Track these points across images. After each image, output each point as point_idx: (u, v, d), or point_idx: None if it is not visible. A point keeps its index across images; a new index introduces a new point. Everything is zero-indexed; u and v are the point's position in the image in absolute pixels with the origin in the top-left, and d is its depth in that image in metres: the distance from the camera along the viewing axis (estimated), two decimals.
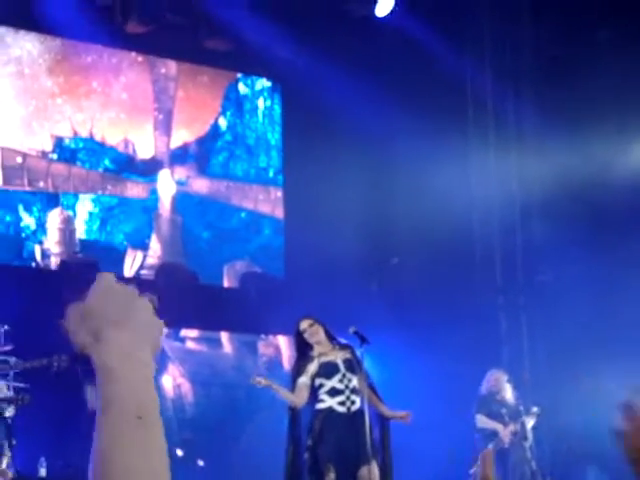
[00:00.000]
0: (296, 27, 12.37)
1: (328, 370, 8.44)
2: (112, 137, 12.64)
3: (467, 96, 13.08)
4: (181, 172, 13.10)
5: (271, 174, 13.72)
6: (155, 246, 12.74)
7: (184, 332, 12.77)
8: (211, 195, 13.27)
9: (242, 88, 13.80)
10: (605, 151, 11.74)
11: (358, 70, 12.58)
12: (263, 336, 12.83)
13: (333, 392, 8.40)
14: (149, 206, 12.79)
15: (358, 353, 8.60)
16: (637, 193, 11.60)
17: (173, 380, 12.53)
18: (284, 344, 12.60)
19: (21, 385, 9.30)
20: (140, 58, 13.05)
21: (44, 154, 12.12)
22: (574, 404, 11.13)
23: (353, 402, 8.39)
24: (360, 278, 12.05)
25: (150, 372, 1.58)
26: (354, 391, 8.40)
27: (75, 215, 12.30)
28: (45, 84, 12.25)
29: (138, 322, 1.61)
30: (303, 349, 8.60)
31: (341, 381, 8.41)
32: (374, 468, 8.24)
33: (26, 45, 12.17)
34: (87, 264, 11.97)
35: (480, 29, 12.91)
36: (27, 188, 11.96)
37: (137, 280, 12.23)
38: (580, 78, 11.80)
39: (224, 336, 12.93)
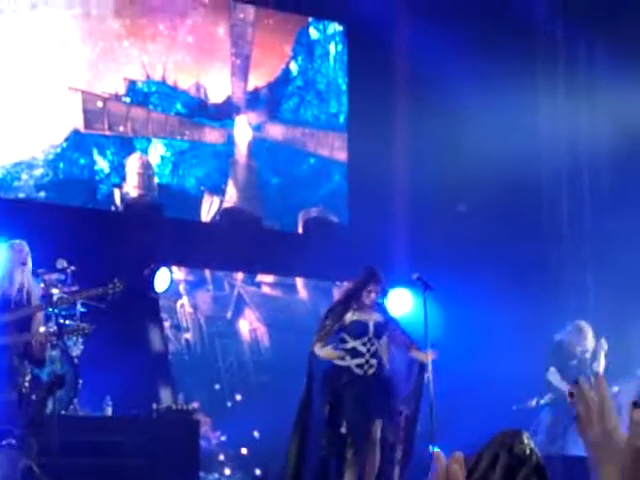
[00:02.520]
0: None
1: (357, 330, 8.50)
2: (183, 81, 12.61)
3: (538, 41, 12.86)
4: (253, 117, 13.07)
5: (342, 120, 13.66)
6: (231, 191, 12.77)
7: (260, 277, 12.85)
8: (285, 141, 13.24)
9: (313, 33, 13.68)
10: None
11: (428, 15, 12.42)
12: (338, 283, 12.89)
13: (354, 353, 8.47)
14: (220, 151, 12.77)
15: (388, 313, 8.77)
16: None
17: (249, 324, 12.63)
18: None
19: (86, 325, 9.52)
20: (210, 1, 12.96)
21: (117, 97, 12.14)
22: None
23: (371, 366, 8.50)
24: (425, 224, 12.00)
25: None
26: (374, 355, 8.50)
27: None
28: (112, 26, 12.22)
29: None
30: (350, 299, 8.63)
31: (364, 344, 8.48)
32: (379, 425, 8.43)
33: None
34: (152, 206, 12.15)
35: None
36: (107, 132, 12.04)
37: (214, 225, 12.39)
38: None
39: (299, 282, 13.01)
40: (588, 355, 10.12)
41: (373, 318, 8.55)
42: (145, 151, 12.25)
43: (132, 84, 12.24)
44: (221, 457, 11.78)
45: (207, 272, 12.53)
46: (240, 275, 12.70)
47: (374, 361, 8.49)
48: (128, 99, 12.22)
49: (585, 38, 12.75)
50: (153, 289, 10.80)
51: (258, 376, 12.37)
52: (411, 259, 11.45)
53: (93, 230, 10.73)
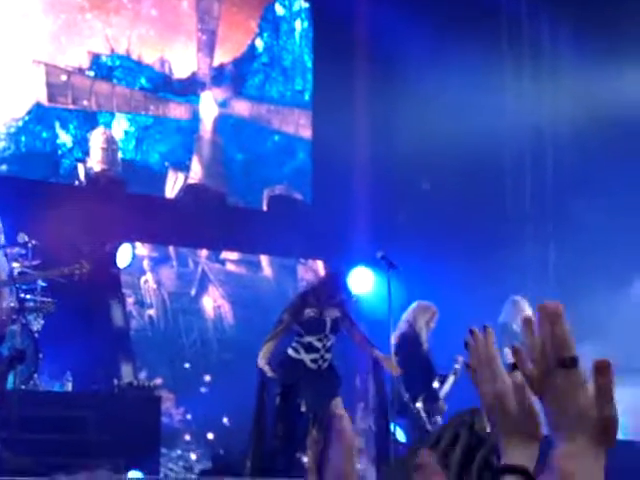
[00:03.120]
0: None
1: (313, 326, 8.54)
2: (148, 55, 12.46)
3: (502, 21, 12.92)
4: (218, 93, 12.97)
5: (307, 97, 13.59)
6: (196, 168, 12.71)
7: (224, 254, 12.80)
8: (250, 118, 13.16)
9: (279, 9, 13.58)
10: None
11: None
12: (302, 260, 12.88)
13: (309, 348, 8.54)
14: (185, 127, 12.68)
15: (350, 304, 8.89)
16: None
17: (213, 301, 12.62)
18: (322, 268, 12.62)
19: (47, 299, 9.47)
20: None
21: (80, 70, 11.97)
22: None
23: (325, 360, 8.58)
24: (389, 202, 12.04)
25: None
26: (329, 350, 8.58)
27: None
28: None
29: None
30: (309, 297, 8.67)
31: (320, 340, 8.54)
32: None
33: None
34: (116, 181, 12.05)
35: None
36: (71, 106, 11.88)
37: (178, 201, 12.33)
38: (619, 5, 11.57)
39: (264, 259, 12.97)
40: None
41: (330, 314, 8.59)
42: (109, 125, 12.12)
43: (96, 58, 12.09)
44: (187, 437, 11.80)
45: (171, 249, 12.48)
46: (204, 252, 12.65)
47: (329, 355, 8.59)
48: (92, 73, 12.07)
49: (549, 18, 12.82)
50: (115, 264, 10.73)
51: (222, 354, 12.36)
52: (375, 237, 11.46)
53: (55, 204, 10.54)
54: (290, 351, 8.57)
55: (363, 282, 10.64)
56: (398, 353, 9.05)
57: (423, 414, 9.38)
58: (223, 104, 12.95)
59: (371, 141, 12.67)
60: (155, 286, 12.19)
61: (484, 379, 1.63)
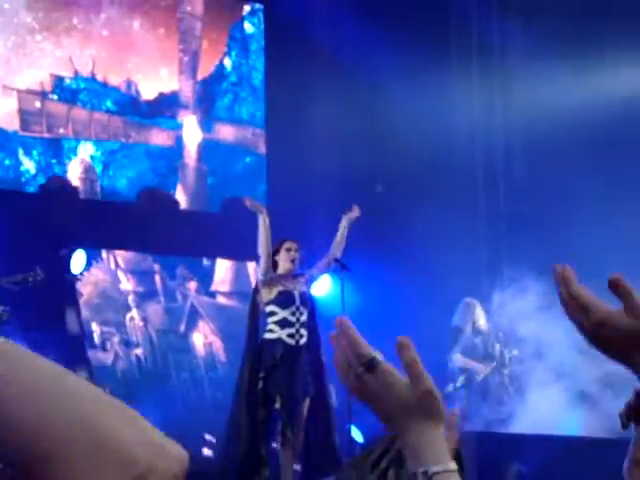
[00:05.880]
0: None
1: (285, 300, 8.62)
2: (114, 77, 12.24)
3: (453, 25, 13.03)
4: (178, 115, 12.70)
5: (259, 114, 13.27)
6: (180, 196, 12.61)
7: (214, 286, 12.53)
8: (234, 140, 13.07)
9: (248, 27, 13.41)
10: (594, 77, 11.64)
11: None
12: None
13: (284, 323, 8.58)
14: (154, 151, 12.43)
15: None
16: (626, 117, 11.47)
17: (204, 337, 12.29)
18: None
19: (0, 307, 9.50)
20: None
21: (43, 94, 11.70)
22: None
23: (302, 336, 8.61)
24: (343, 204, 12.05)
25: None
26: (303, 325, 8.62)
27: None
28: (24, 19, 11.77)
29: None
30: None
31: (294, 314, 8.59)
32: (306, 404, 8.57)
33: None
34: (67, 189, 11.89)
35: None
36: (46, 135, 11.67)
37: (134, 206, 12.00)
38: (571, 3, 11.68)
39: None
40: (483, 328, 10.33)
41: (297, 287, 8.69)
42: (74, 151, 11.88)
43: (58, 80, 11.88)
44: None
45: (158, 282, 12.14)
46: (193, 285, 12.35)
47: (304, 331, 8.60)
48: (55, 96, 11.85)
49: (499, 22, 12.92)
50: (69, 270, 10.73)
51: (214, 392, 12.00)
52: (328, 240, 11.49)
53: (9, 211, 10.54)
54: (266, 335, 8.61)
55: (320, 285, 10.66)
56: None
57: None
58: (207, 128, 12.84)
59: (325, 148, 12.64)
60: (142, 323, 11.87)
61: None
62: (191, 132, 12.73)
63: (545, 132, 11.91)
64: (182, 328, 12.18)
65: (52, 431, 1.02)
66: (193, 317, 12.27)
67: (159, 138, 12.52)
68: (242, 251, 11.56)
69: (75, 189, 11.95)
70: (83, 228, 10.89)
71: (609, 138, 11.43)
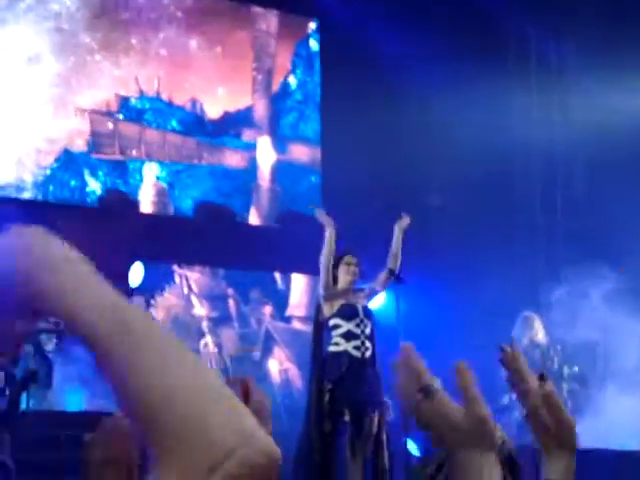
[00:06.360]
0: None
1: (348, 312, 8.52)
2: (179, 97, 12.30)
3: (510, 42, 12.98)
4: (250, 134, 12.74)
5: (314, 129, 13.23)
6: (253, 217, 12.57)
7: (289, 311, 12.41)
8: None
9: (313, 44, 13.42)
10: None
11: (399, 17, 12.54)
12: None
13: (349, 335, 8.46)
14: (219, 171, 12.39)
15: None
16: None
17: (279, 364, 12.18)
18: None
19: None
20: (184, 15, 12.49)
21: (110, 114, 11.79)
22: None
23: (367, 348, 8.48)
24: (394, 218, 12.02)
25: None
26: (368, 337, 8.49)
27: (142, 180, 11.97)
28: (83, 40, 11.88)
29: None
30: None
31: (358, 326, 8.48)
32: (375, 418, 8.39)
33: (65, 1, 11.84)
34: (126, 201, 11.91)
35: None
36: (119, 157, 11.72)
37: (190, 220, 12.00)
38: (622, 14, 11.53)
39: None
40: (542, 342, 10.15)
41: (359, 301, 8.60)
42: (139, 172, 11.91)
43: (124, 100, 11.95)
44: None
45: (232, 307, 11.99)
46: (268, 309, 12.22)
47: (369, 344, 8.48)
48: (121, 116, 11.91)
49: (555, 39, 12.83)
50: (127, 284, 10.80)
51: (291, 421, 11.53)
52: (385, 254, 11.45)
53: (70, 224, 10.60)
54: (331, 348, 8.48)
55: (375, 298, 10.59)
56: None
57: None
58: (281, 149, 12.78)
59: (380, 162, 12.59)
60: (216, 350, 11.79)
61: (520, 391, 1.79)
62: (265, 153, 12.69)
63: (603, 149, 11.79)
64: (257, 354, 12.05)
65: (156, 403, 1.06)
66: (268, 343, 12.12)
67: (232, 159, 12.50)
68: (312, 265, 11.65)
69: (135, 203, 12.00)
70: (138, 241, 10.94)
71: None
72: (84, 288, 1.12)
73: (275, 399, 11.75)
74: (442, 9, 12.57)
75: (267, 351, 12.08)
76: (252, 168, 12.62)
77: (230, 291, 12.11)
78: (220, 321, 11.87)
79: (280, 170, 12.81)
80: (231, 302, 12.08)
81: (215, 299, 11.96)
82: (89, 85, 11.78)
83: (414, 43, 12.14)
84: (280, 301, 12.43)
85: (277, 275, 12.58)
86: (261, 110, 12.79)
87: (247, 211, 12.51)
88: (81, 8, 11.87)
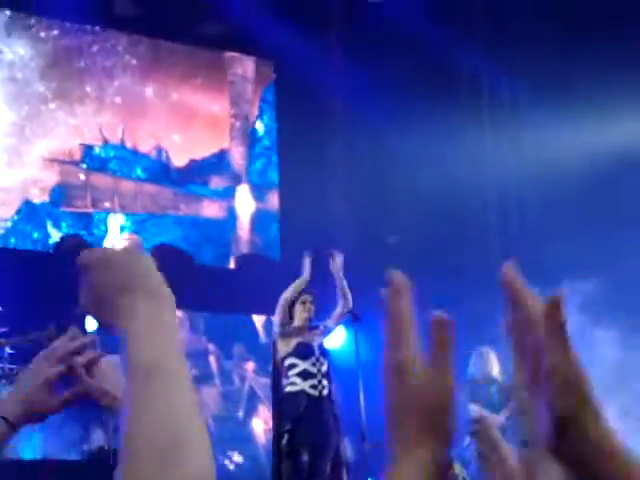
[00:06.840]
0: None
1: (304, 351, 8.50)
2: (144, 144, 12.26)
3: (462, 73, 13.11)
4: (218, 182, 12.70)
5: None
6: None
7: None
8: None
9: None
10: (597, 124, 11.65)
11: (357, 58, 12.66)
12: None
13: (305, 375, 8.44)
14: (185, 220, 12.31)
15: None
16: (626, 166, 11.42)
17: (264, 423, 11.69)
18: None
19: (15, 366, 9.63)
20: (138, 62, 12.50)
21: (74, 163, 11.71)
22: None
23: (324, 387, 8.47)
24: (356, 258, 12.08)
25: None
26: (325, 376, 8.49)
27: (107, 231, 11.85)
28: (37, 89, 11.81)
29: None
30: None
31: (314, 364, 8.47)
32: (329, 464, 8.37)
33: (19, 50, 11.79)
34: (78, 245, 11.92)
35: (470, 8, 12.92)
36: (91, 209, 11.65)
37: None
38: (574, 52, 11.70)
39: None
40: (497, 377, 10.15)
41: (315, 339, 8.61)
42: (104, 222, 11.82)
43: (88, 149, 11.88)
44: None
45: (213, 364, 11.79)
46: (251, 365, 11.98)
47: (326, 382, 8.49)
48: (84, 165, 11.82)
49: (508, 75, 13.01)
50: (84, 328, 10.74)
51: None
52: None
53: (22, 270, 10.58)
54: (288, 388, 8.45)
55: (333, 337, 10.62)
56: None
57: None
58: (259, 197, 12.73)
59: (337, 202, 12.65)
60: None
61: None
62: (244, 202, 12.63)
63: (554, 182, 11.92)
64: (240, 414, 11.74)
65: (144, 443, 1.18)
66: (252, 401, 11.79)
67: (210, 210, 12.45)
68: (257, 306, 11.57)
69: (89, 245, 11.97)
70: None
71: (609, 184, 11.45)
72: (157, 322, 1.28)
73: (259, 460, 11.46)
74: (395, 45, 12.67)
75: (251, 410, 11.77)
76: (230, 218, 12.61)
77: (211, 347, 11.91)
78: (201, 379, 11.60)
79: (258, 219, 12.83)
80: (212, 359, 11.89)
81: (195, 356, 11.64)
82: (44, 134, 11.72)
83: (365, 80, 12.28)
84: (263, 356, 12.26)
85: (256, 321, 12.44)
86: (239, 158, 12.80)
87: (226, 259, 12.49)
88: (35, 57, 11.84)
